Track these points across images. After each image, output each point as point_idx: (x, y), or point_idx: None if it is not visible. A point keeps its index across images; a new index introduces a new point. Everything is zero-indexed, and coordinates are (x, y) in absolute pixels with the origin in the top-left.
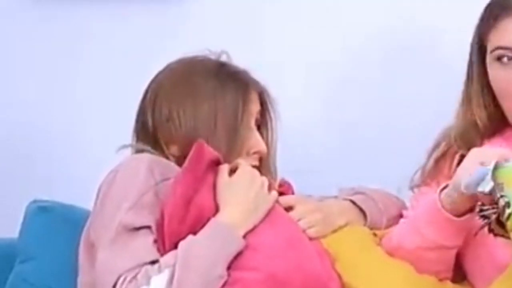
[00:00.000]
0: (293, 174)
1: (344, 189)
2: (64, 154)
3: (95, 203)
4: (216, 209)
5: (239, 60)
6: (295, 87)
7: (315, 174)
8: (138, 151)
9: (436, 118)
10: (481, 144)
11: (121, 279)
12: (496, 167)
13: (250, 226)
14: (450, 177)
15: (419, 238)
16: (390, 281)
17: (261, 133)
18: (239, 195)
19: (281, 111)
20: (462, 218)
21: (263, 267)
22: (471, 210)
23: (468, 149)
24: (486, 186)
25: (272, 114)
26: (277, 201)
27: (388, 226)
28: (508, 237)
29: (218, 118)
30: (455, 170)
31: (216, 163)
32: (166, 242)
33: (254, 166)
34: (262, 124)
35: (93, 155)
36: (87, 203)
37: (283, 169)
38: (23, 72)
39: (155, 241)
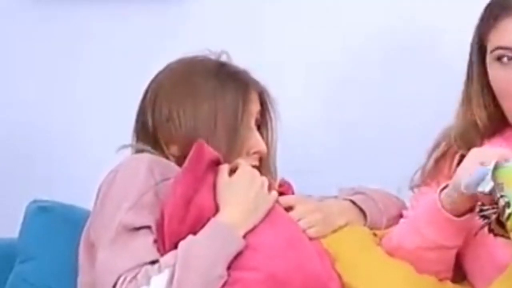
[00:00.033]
0: (293, 174)
1: (344, 189)
2: (64, 154)
3: (95, 203)
4: (216, 209)
5: (239, 60)
6: (295, 87)
7: (315, 174)
8: (138, 151)
9: (436, 118)
10: (481, 144)
11: (121, 279)
12: (496, 167)
13: (250, 226)
14: (450, 177)
15: (419, 238)
16: (390, 281)
17: (261, 133)
18: (239, 195)
19: (281, 111)
20: (462, 218)
21: (263, 267)
22: (471, 210)
23: (468, 149)
24: (486, 186)
25: (272, 114)
26: (277, 201)
27: (388, 226)
28: (508, 237)
29: (218, 118)
30: (455, 170)
31: (216, 163)
32: (166, 242)
33: (254, 166)
34: (262, 124)
35: (93, 155)
36: (87, 203)
37: (283, 169)
38: (23, 72)
39: (155, 241)
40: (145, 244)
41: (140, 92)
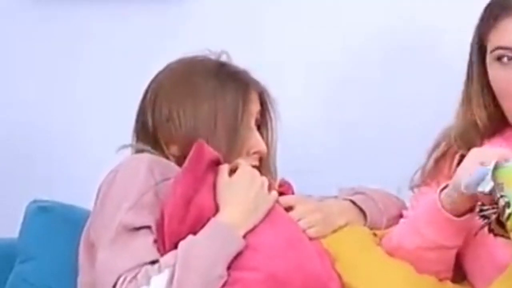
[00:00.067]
0: (293, 174)
1: (344, 189)
2: (64, 154)
3: (95, 203)
4: (216, 209)
5: (239, 60)
6: (295, 87)
7: (315, 174)
8: (138, 151)
9: (436, 118)
10: (481, 144)
11: (121, 279)
12: (496, 167)
13: (250, 226)
14: (450, 177)
15: (419, 238)
16: (390, 281)
17: (261, 133)
18: (239, 195)
19: (281, 111)
20: (462, 218)
21: (263, 267)
22: (471, 210)
23: (468, 149)
24: (486, 186)
25: (272, 114)
26: (277, 201)
27: (388, 226)
28: (508, 237)
29: (218, 118)
30: (455, 170)
31: (216, 163)
32: (166, 242)
33: (254, 166)
34: (262, 124)
35: (93, 155)
36: (87, 203)
37: (283, 169)
38: (23, 72)
39: (155, 241)
40: (145, 244)
41: (140, 92)
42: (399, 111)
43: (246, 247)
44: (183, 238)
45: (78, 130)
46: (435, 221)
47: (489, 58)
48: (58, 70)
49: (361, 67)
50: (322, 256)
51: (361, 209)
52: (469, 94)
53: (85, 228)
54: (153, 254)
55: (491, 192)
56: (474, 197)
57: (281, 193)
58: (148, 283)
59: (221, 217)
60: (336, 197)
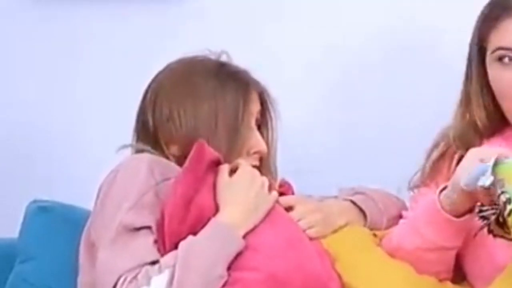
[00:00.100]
0: (293, 174)
1: (344, 189)
2: (64, 154)
3: (96, 203)
4: (217, 209)
5: (239, 60)
6: (295, 87)
7: (315, 174)
8: (138, 151)
9: (436, 118)
10: (480, 144)
11: (122, 279)
12: (496, 163)
13: (250, 226)
14: (449, 178)
15: (418, 239)
16: (390, 282)
17: (261, 133)
18: (239, 195)
19: (281, 111)
20: (462, 219)
21: (263, 267)
22: (470, 210)
23: (467, 149)
24: (486, 181)
25: (272, 114)
26: (277, 201)
27: (388, 226)
28: (508, 238)
29: (219, 118)
30: (454, 170)
31: (217, 163)
32: (167, 242)
33: (254, 166)
34: (262, 124)
35: (93, 155)
36: (87, 203)
37: (283, 169)
38: (23, 72)
39: (156, 241)
40: (145, 244)
41: (140, 92)
42: (399, 111)
43: (246, 247)
44: (184, 238)
45: (78, 130)
46: (434, 221)
47: (489, 59)
48: (58, 70)
49: (361, 67)
50: (322, 256)
51: (361, 209)
52: (468, 94)
53: (86, 228)
54: (154, 254)
55: (491, 187)
56: (473, 198)
57: (281, 193)
58: (148, 283)
59: (221, 217)
60: (336, 197)
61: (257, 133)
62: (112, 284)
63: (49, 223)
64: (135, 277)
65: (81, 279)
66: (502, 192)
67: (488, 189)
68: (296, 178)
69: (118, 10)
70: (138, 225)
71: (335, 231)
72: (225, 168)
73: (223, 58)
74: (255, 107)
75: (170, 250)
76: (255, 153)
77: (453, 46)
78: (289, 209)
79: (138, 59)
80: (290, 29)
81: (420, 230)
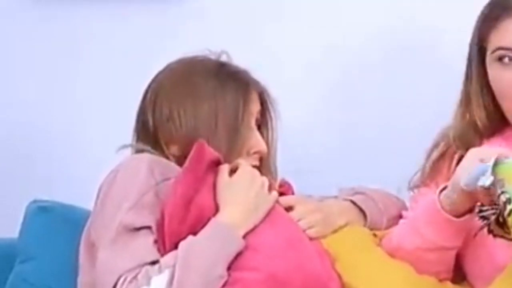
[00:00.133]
0: (293, 174)
1: (344, 189)
2: (64, 154)
3: (96, 203)
4: (217, 209)
5: (239, 60)
6: (295, 87)
7: (315, 174)
8: (138, 151)
9: (436, 118)
10: (480, 144)
11: (122, 279)
12: (496, 163)
13: (250, 226)
14: (448, 178)
15: (418, 239)
16: (390, 282)
17: (261, 133)
18: (239, 195)
19: (281, 111)
20: (462, 219)
21: (263, 267)
22: (470, 210)
23: (467, 149)
24: (487, 181)
25: (272, 114)
26: (277, 201)
27: (388, 226)
28: (508, 238)
29: (219, 118)
30: (454, 170)
31: (217, 163)
32: (167, 242)
33: (254, 166)
34: (262, 124)
35: (93, 155)
36: (87, 203)
37: (283, 169)
38: (23, 72)
39: (156, 241)
40: (145, 244)
41: (140, 92)
42: (399, 111)
43: (246, 247)
44: (184, 238)
45: (78, 130)
46: (434, 221)
47: (489, 59)
48: (58, 70)
49: (361, 67)
50: (322, 256)
51: (361, 209)
52: (468, 94)
53: (86, 228)
54: (154, 254)
55: (491, 187)
56: (473, 198)
57: (281, 193)
58: (148, 283)
59: (221, 217)
60: (336, 197)
61: (257, 133)
62: (112, 284)
63: (49, 223)
64: (135, 277)
65: (81, 279)
66: (502, 192)
67: (488, 189)
68: (296, 178)
69: (118, 10)
70: (138, 225)
71: (335, 231)
72: (225, 168)
73: (223, 58)
74: (255, 107)
75: (170, 250)
76: (255, 153)
77: (453, 46)
78: (289, 209)
79: (138, 59)
80: (290, 29)
81: (420, 230)
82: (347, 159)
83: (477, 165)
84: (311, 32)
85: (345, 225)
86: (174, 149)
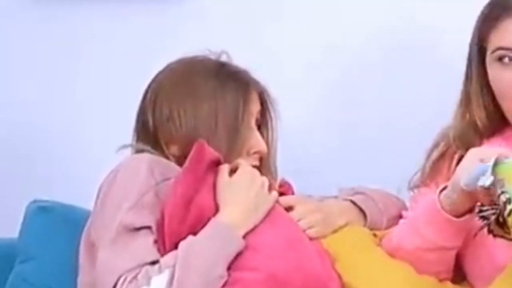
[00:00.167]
0: (293, 174)
1: (344, 189)
2: (64, 154)
3: (96, 203)
4: (217, 209)
5: (239, 60)
6: (295, 87)
7: (315, 174)
8: (138, 151)
9: (436, 118)
10: (480, 144)
11: (122, 279)
12: (496, 163)
13: (250, 226)
14: (448, 178)
15: (418, 239)
16: (390, 282)
17: (261, 133)
18: (239, 195)
19: (281, 111)
20: (462, 219)
21: (263, 267)
22: (470, 210)
23: (467, 149)
24: (487, 181)
25: (272, 114)
26: (277, 201)
27: (389, 226)
28: (508, 238)
29: (219, 118)
30: (454, 170)
31: (217, 163)
32: (167, 242)
33: (254, 166)
34: (262, 124)
35: (93, 155)
36: (87, 203)
37: (283, 169)
38: (23, 72)
39: (156, 241)
40: (145, 244)
41: (140, 92)
42: (399, 111)
43: (246, 247)
44: (184, 238)
45: (78, 130)
46: (434, 221)
47: (489, 59)
48: (58, 70)
49: (361, 67)
50: (322, 256)
51: (361, 209)
52: (468, 94)
53: (86, 228)
54: (154, 255)
55: (491, 187)
56: (473, 198)
57: (281, 193)
58: (148, 283)
59: (221, 217)
60: (336, 197)
61: (257, 133)
62: (112, 284)
63: (49, 223)
64: (135, 277)
65: (81, 279)
66: (502, 192)
67: (488, 189)
68: (296, 178)
69: (118, 10)
70: (138, 225)
71: (335, 231)
72: (225, 168)
73: (223, 58)
74: (255, 107)
75: (170, 250)
76: (255, 153)
77: (453, 46)
78: (289, 209)
79: (138, 59)
80: (290, 29)
81: (420, 230)
82: (347, 159)
83: (477, 165)
84: (311, 32)
85: (345, 225)
86: (174, 149)
